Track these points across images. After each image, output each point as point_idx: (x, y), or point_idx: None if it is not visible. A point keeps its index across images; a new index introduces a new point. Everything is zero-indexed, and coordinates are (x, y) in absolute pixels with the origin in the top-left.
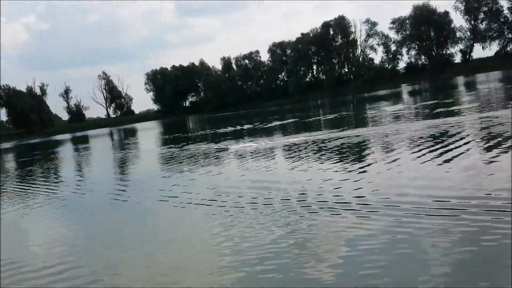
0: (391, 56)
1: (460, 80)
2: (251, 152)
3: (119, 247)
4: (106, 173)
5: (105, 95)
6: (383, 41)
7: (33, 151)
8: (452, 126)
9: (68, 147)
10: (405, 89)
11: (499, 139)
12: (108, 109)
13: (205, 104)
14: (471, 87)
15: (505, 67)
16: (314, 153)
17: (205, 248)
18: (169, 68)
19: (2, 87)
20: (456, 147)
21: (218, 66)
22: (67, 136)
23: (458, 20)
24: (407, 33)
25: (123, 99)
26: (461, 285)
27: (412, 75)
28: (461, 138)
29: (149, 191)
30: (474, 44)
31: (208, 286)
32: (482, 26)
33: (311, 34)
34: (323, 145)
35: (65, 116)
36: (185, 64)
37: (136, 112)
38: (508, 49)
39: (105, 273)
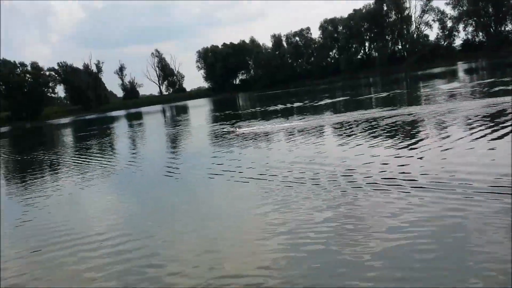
0: (447, 32)
1: None
2: (300, 130)
3: (171, 221)
4: (158, 148)
5: (158, 73)
6: (438, 17)
7: (89, 126)
8: (509, 105)
9: (123, 123)
10: (461, 67)
11: None
12: (161, 87)
13: (255, 82)
14: None
15: None
16: (365, 131)
17: (254, 225)
18: (220, 46)
19: (60, 64)
20: None
21: (269, 43)
22: (121, 112)
23: None
24: (464, 8)
25: (175, 77)
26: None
27: (469, 53)
28: None
29: (199, 166)
30: None
31: (256, 264)
32: None
33: (363, 10)
34: (374, 123)
35: (119, 93)
36: (236, 41)
37: (188, 89)
38: None
39: (159, 246)
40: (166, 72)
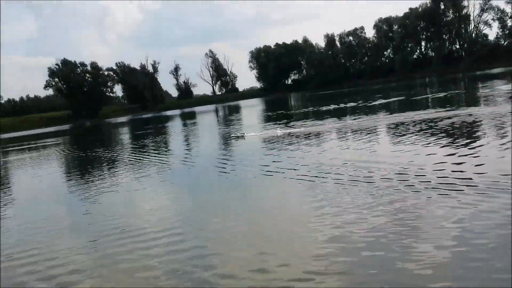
0: (507, 32)
1: None
2: (353, 131)
3: (222, 216)
4: (212, 146)
5: (211, 73)
6: (498, 16)
7: (145, 125)
8: None
9: (177, 122)
10: None
11: None
12: (214, 87)
13: (307, 82)
14: None
15: None
16: (421, 132)
17: (306, 224)
18: (272, 46)
19: (118, 64)
20: None
21: (322, 43)
22: (176, 112)
23: None
24: None
25: (228, 77)
26: None
27: None
28: None
29: (252, 164)
30: None
31: (306, 265)
32: None
33: (420, 9)
34: (431, 124)
35: (174, 93)
36: (289, 41)
37: (240, 89)
38: None
39: (209, 240)
40: (219, 72)
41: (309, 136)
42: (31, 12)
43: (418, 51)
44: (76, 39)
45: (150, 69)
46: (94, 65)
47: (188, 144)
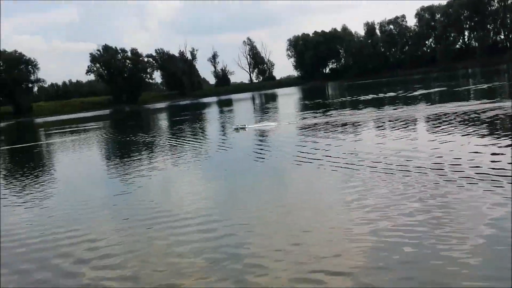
0: None
1: None
2: (392, 121)
3: (255, 204)
4: (247, 134)
5: (249, 61)
6: None
7: (183, 111)
8: None
9: (214, 109)
10: None
11: None
12: (251, 74)
13: (345, 71)
14: None
15: None
16: (462, 124)
17: (340, 214)
18: (311, 34)
19: (157, 51)
20: None
21: (361, 31)
22: (213, 99)
23: None
24: None
25: (265, 65)
26: None
27: None
28: None
29: (287, 153)
30: None
31: (338, 255)
32: None
33: None
34: (472, 115)
35: (211, 80)
36: (327, 30)
37: (277, 78)
38: None
39: (240, 228)
40: (256, 60)
41: (345, 125)
42: None
43: (461, 41)
44: (117, 25)
45: (189, 56)
46: (134, 52)
47: (224, 131)
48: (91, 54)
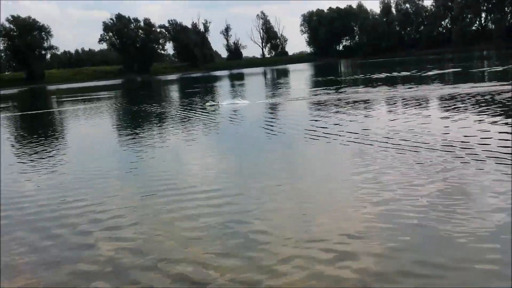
0: None
1: None
2: (405, 99)
3: (267, 178)
4: (258, 108)
5: (261, 35)
6: None
7: (194, 84)
8: None
9: (225, 83)
10: None
11: None
12: (264, 49)
13: (359, 48)
14: None
15: None
16: (476, 105)
17: (349, 190)
18: (325, 10)
19: (170, 22)
20: None
21: (377, 9)
22: (225, 72)
23: None
24: None
25: (278, 40)
26: None
27: None
28: None
29: (299, 127)
30: None
31: (345, 231)
32: None
33: None
34: (486, 97)
35: (223, 54)
36: (342, 6)
37: (290, 53)
38: None
39: (251, 202)
40: (269, 35)
41: (356, 102)
42: None
43: (477, 22)
44: None
45: (202, 28)
46: (147, 22)
47: (235, 104)
48: (104, 22)
